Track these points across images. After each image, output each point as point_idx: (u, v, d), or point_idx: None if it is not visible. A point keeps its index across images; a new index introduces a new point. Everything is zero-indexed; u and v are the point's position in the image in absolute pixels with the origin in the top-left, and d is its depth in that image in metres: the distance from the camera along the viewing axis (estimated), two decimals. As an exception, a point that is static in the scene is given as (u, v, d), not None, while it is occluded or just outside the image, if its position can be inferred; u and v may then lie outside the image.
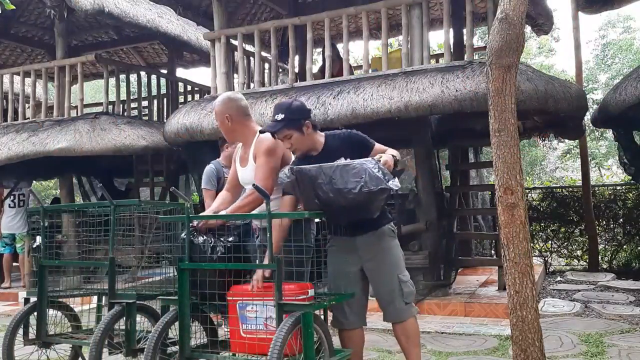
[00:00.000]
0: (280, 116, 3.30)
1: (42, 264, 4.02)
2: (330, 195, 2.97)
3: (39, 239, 4.20)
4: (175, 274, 3.29)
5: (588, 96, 9.07)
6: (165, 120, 8.42)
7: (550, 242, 9.03)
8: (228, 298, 3.16)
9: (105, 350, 3.60)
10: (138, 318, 3.72)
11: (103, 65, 8.65)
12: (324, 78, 6.78)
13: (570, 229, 8.94)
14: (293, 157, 3.44)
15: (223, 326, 3.46)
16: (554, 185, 10.43)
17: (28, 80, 9.15)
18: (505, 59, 3.26)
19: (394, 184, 2.97)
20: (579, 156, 9.59)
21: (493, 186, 3.72)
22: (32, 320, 4.00)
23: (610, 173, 16.30)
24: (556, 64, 21.18)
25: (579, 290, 6.80)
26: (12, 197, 8.74)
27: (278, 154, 3.37)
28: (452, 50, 6.68)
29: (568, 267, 8.90)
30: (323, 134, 3.44)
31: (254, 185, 3.12)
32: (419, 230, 6.48)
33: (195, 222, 3.29)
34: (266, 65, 8.03)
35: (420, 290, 6.23)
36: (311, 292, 3.11)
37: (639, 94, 6.09)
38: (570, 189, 9.38)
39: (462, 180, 7.74)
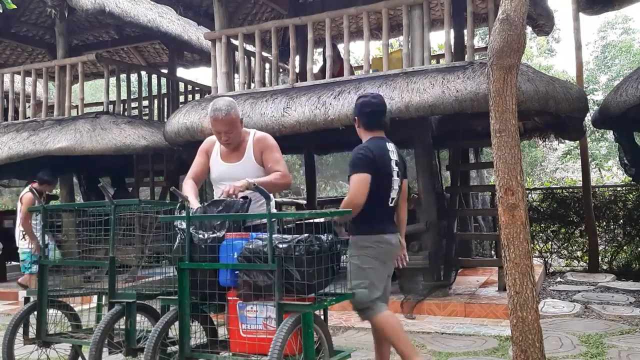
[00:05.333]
0: None
1: (41, 263, 4.02)
2: None
3: (39, 238, 4.20)
4: (175, 273, 3.28)
5: (588, 97, 9.06)
6: (165, 120, 8.42)
7: (550, 242, 9.02)
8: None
9: (105, 349, 3.60)
10: (138, 318, 3.71)
11: (104, 64, 8.66)
12: (324, 78, 6.79)
13: (570, 230, 8.93)
14: None
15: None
16: (555, 186, 10.42)
17: (29, 80, 9.18)
18: (506, 59, 3.26)
19: None
20: (580, 157, 9.58)
21: (493, 187, 3.72)
22: (32, 319, 4.00)
23: (611, 174, 16.29)
24: (555, 64, 21.19)
25: (579, 291, 6.80)
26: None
27: (278, 147, 3.63)
28: (452, 50, 6.69)
29: (568, 268, 8.89)
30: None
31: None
32: (419, 230, 6.47)
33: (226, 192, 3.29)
34: (267, 65, 8.03)
35: (420, 290, 6.24)
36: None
37: (639, 95, 6.09)
38: (571, 189, 9.37)
39: (463, 180, 7.73)
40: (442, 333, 5.20)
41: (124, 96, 8.70)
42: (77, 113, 8.62)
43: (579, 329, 5.12)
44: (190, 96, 10.04)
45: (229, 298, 3.17)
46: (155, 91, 9.42)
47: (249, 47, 7.75)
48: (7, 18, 9.16)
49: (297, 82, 6.97)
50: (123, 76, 8.83)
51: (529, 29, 8.42)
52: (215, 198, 3.54)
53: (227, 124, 3.49)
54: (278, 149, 3.60)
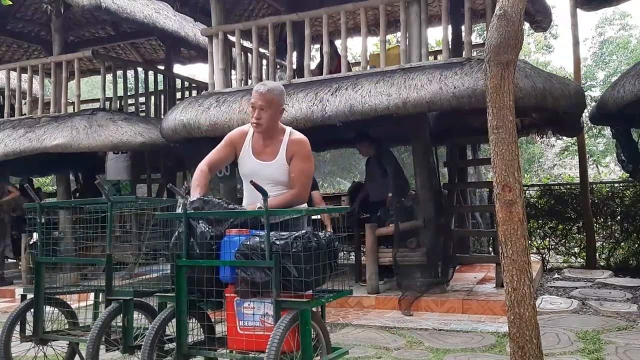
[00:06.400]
0: None
1: (38, 261, 4.01)
2: None
3: (35, 235, 4.18)
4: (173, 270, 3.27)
5: (586, 93, 9.07)
6: (162, 117, 8.40)
7: (548, 239, 9.03)
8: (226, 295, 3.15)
9: (102, 347, 3.59)
10: (135, 315, 3.71)
11: (100, 61, 8.62)
12: (321, 75, 6.77)
13: (567, 226, 8.95)
14: None
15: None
16: (552, 183, 10.42)
17: (24, 77, 9.13)
18: (503, 55, 3.25)
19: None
20: (577, 153, 9.58)
21: (491, 183, 3.72)
22: (29, 317, 3.99)
23: (608, 170, 16.33)
24: (553, 60, 21.25)
25: (576, 288, 6.81)
26: None
27: (313, 157, 3.47)
28: (450, 47, 6.67)
29: (565, 265, 8.90)
30: None
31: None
32: (417, 227, 6.48)
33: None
34: (264, 62, 8.01)
35: (418, 287, 6.24)
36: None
37: (637, 91, 6.09)
38: (568, 186, 9.38)
39: (460, 177, 7.74)
40: (440, 330, 5.20)
41: (120, 93, 8.66)
42: (74, 110, 8.58)
43: (576, 325, 5.12)
44: (187, 93, 10.00)
45: (226, 295, 3.16)
46: (152, 88, 9.39)
47: (246, 44, 7.72)
48: (2, 14, 9.11)
49: (295, 78, 6.96)
50: (119, 73, 8.80)
51: (526, 25, 8.43)
52: (245, 194, 3.47)
53: (264, 99, 3.26)
54: (308, 157, 3.35)
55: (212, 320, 3.40)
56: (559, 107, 6.02)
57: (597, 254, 8.59)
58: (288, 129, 3.42)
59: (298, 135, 3.39)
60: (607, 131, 13.38)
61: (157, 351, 3.17)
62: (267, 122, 3.30)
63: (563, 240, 9.02)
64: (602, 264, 8.61)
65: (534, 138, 13.14)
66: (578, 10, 8.50)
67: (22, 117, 8.59)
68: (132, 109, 9.32)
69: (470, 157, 8.39)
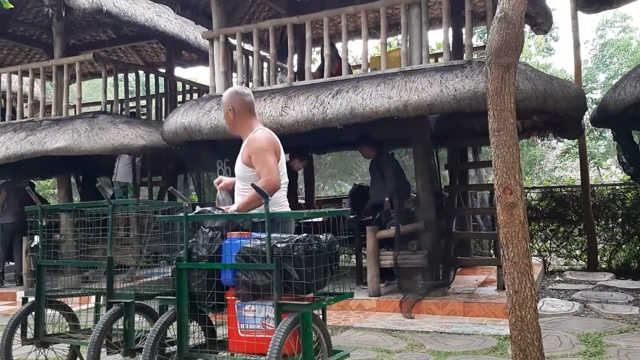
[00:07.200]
0: None
1: (40, 264, 4.01)
2: None
3: (36, 238, 4.18)
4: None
5: (587, 96, 9.06)
6: (163, 120, 8.40)
7: (549, 241, 9.02)
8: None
9: (103, 350, 3.59)
10: (136, 318, 3.71)
11: (101, 64, 8.64)
12: (322, 77, 6.77)
13: (569, 229, 8.93)
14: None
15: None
16: (553, 185, 10.41)
17: (26, 80, 9.15)
18: (504, 58, 3.25)
19: None
20: (578, 156, 9.57)
21: (492, 186, 3.72)
22: (30, 320, 3.99)
23: (609, 173, 16.31)
24: (553, 63, 21.25)
25: (577, 290, 6.79)
26: None
27: (269, 147, 3.45)
28: (451, 49, 6.67)
29: (567, 267, 8.89)
30: None
31: (252, 185, 3.11)
32: (418, 230, 6.47)
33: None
34: (265, 65, 8.01)
35: (419, 289, 6.24)
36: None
37: (638, 93, 6.09)
38: (569, 188, 9.37)
39: (461, 179, 7.73)
40: (441, 332, 5.19)
41: (121, 96, 8.68)
42: (75, 113, 8.58)
43: (577, 328, 5.12)
44: (188, 95, 10.02)
45: (227, 298, 3.16)
46: (153, 91, 9.39)
47: (247, 46, 7.73)
48: (4, 18, 9.13)
49: (296, 81, 6.96)
50: (121, 76, 8.80)
51: (527, 28, 8.43)
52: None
53: (222, 106, 3.64)
54: (259, 150, 3.41)
55: (213, 323, 3.40)
56: (559, 110, 6.02)
57: (598, 257, 8.58)
58: (255, 129, 3.58)
59: (254, 134, 3.54)
60: (608, 133, 13.38)
61: (158, 354, 3.17)
62: (232, 126, 3.67)
63: (564, 243, 9.01)
64: (603, 266, 8.59)
65: (535, 140, 13.14)
66: (579, 12, 8.50)
67: (24, 120, 8.61)
68: (133, 111, 9.34)
69: (471, 159, 8.39)
